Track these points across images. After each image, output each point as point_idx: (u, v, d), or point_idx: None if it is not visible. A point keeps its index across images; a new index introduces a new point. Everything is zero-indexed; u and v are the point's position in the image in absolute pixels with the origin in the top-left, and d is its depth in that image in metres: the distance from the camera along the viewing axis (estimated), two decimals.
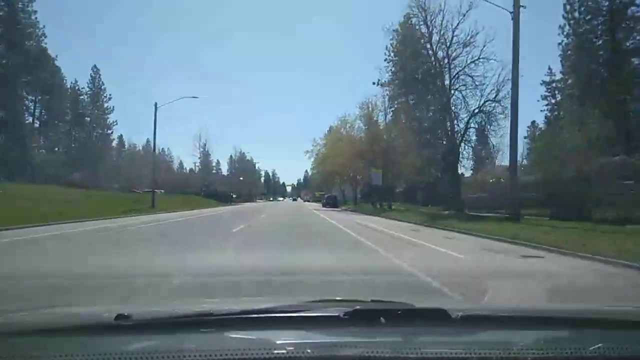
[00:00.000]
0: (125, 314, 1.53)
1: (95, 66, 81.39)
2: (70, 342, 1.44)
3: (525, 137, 57.30)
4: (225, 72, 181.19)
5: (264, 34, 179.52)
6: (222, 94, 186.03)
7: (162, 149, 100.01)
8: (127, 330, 1.49)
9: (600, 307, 2.46)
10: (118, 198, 36.71)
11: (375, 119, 43.96)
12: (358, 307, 1.59)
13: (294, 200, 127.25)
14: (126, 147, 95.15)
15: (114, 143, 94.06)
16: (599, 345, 1.38)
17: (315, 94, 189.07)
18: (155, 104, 35.12)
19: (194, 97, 37.49)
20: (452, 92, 27.61)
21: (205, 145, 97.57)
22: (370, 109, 44.18)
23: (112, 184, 73.19)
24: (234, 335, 1.48)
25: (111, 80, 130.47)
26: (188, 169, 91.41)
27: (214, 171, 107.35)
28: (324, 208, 52.98)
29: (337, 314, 1.54)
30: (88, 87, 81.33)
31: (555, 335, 1.60)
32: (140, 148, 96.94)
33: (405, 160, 38.57)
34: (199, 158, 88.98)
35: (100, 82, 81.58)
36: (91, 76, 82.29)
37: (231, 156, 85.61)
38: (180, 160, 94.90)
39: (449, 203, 31.44)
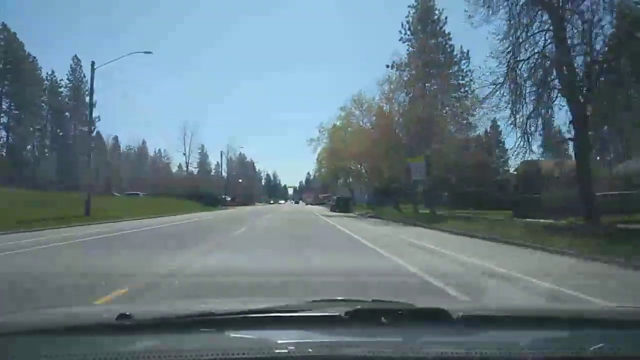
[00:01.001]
0: (127, 313, 1.51)
1: (76, 56, 74.10)
2: (71, 342, 1.42)
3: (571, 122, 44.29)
4: (226, 72, 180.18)
5: (264, 32, 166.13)
6: (223, 94, 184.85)
7: (159, 150, 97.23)
8: (128, 330, 1.46)
9: (600, 307, 2.49)
10: (61, 202, 28.81)
11: (406, 92, 31.94)
12: (359, 307, 1.57)
13: (296, 203, 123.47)
14: (121, 149, 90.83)
15: (109, 145, 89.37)
16: (599, 345, 1.36)
17: (318, 94, 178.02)
18: (92, 63, 27.30)
19: (147, 52, 27.05)
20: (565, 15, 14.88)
21: (203, 146, 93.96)
22: (399, 81, 35.08)
23: (92, 184, 59.82)
24: (235, 335, 1.45)
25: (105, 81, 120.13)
26: (187, 171, 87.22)
27: (212, 173, 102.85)
28: (334, 213, 39.88)
29: (338, 314, 1.51)
30: (68, 79, 74.51)
31: (555, 335, 1.56)
32: (136, 149, 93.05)
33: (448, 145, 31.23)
34: (184, 153, 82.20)
35: (82, 74, 73.45)
36: (71, 67, 75.19)
37: (221, 152, 73.74)
38: (180, 163, 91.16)
39: (524, 207, 19.18)
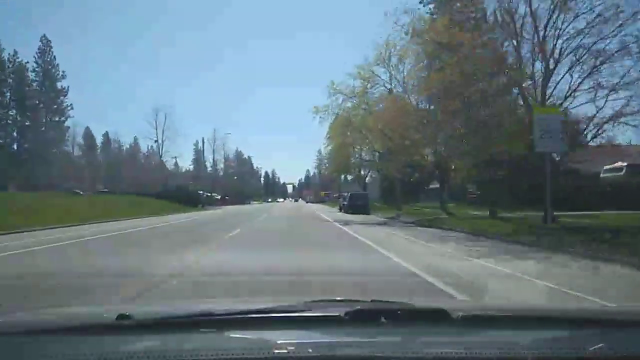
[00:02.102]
0: (126, 313, 1.50)
1: (44, 36, 62.52)
2: (71, 342, 1.41)
3: None
4: (224, 69, 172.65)
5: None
6: (220, 91, 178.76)
7: (151, 146, 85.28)
8: (127, 330, 1.46)
9: (600, 307, 2.40)
10: None
11: None
12: (359, 307, 1.56)
13: (295, 201, 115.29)
14: (112, 145, 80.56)
15: (99, 141, 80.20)
16: (599, 345, 1.35)
17: (320, 93, 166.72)
18: None
19: None
20: None
21: (197, 142, 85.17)
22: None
23: (64, 182, 54.64)
24: (235, 335, 1.44)
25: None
26: (183, 169, 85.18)
27: (209, 170, 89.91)
28: (348, 216, 30.40)
29: (337, 314, 1.50)
30: (35, 62, 61.95)
31: (555, 335, 1.53)
32: (127, 146, 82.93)
33: None
34: (155, 141, 68.64)
35: (52, 57, 62.43)
36: (40, 49, 63.05)
37: (203, 140, 63.71)
38: (176, 161, 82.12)
39: None
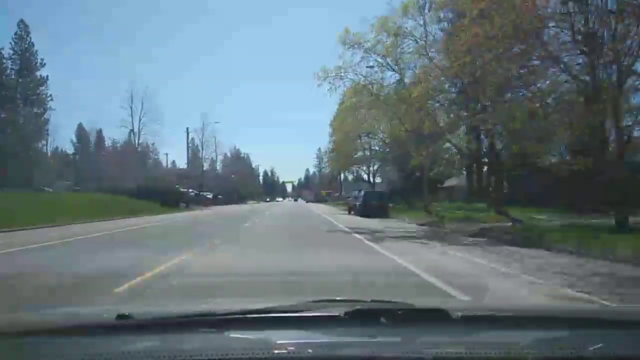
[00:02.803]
0: (126, 313, 1.50)
1: (22, 21, 56.64)
2: (71, 342, 1.41)
3: None
4: (223, 66, 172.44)
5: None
6: (218, 91, 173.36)
7: (146, 144, 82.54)
8: (127, 330, 1.46)
9: (600, 307, 2.34)
10: None
11: None
12: (358, 307, 1.56)
13: (295, 200, 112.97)
14: (106, 143, 75.90)
15: (93, 139, 75.89)
16: (599, 345, 1.35)
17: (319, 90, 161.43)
18: None
19: None
20: None
21: (193, 139, 74.64)
22: None
23: (37, 180, 50.05)
24: (235, 335, 1.44)
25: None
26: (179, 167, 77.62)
27: (206, 168, 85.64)
28: (364, 221, 23.71)
29: (337, 314, 1.50)
30: (11, 49, 55.87)
31: (555, 335, 1.51)
32: (121, 143, 77.24)
33: None
34: (131, 130, 63.45)
35: (30, 43, 56.53)
36: (16, 34, 56.89)
37: (188, 130, 57.59)
38: (173, 160, 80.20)
39: None
